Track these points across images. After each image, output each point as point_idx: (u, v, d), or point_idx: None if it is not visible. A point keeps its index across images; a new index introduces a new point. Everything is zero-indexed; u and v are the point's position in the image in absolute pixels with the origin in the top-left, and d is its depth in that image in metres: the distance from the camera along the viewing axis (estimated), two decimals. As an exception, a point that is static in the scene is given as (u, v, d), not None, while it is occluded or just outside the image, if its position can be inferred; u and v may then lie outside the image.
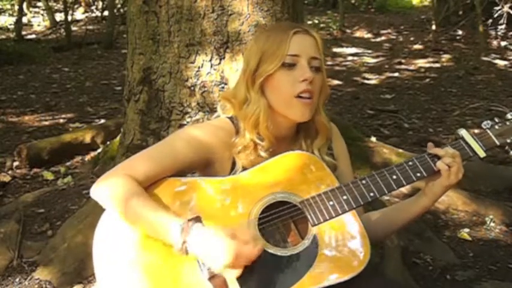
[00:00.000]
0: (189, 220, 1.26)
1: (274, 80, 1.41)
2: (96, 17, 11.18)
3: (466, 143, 1.42)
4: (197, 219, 1.29)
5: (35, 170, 3.47)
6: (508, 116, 1.46)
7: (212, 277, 1.27)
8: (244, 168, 1.42)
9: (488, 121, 1.47)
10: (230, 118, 1.49)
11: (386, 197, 2.83)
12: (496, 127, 1.45)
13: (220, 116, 1.52)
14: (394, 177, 1.38)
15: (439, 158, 1.39)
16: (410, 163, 1.40)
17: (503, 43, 8.52)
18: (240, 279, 1.26)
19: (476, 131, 1.49)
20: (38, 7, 12.10)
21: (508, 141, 1.43)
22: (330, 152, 1.54)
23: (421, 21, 11.07)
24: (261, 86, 1.43)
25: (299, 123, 1.49)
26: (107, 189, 1.33)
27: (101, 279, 1.32)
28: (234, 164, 1.44)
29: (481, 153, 1.42)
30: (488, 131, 1.44)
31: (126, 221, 1.32)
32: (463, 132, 1.44)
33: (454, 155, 1.38)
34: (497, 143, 1.43)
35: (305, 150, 1.49)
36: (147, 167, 1.36)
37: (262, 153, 1.44)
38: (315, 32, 1.46)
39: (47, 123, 4.72)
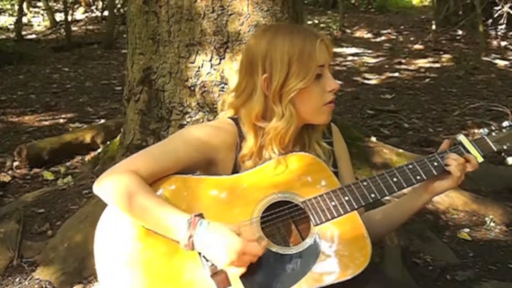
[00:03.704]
0: (195, 216, 1.27)
1: (305, 93, 1.38)
2: (96, 17, 11.17)
3: (465, 148, 1.46)
4: (200, 216, 1.29)
5: (35, 170, 3.47)
6: (505, 123, 1.51)
7: (215, 274, 1.27)
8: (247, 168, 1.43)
9: (485, 128, 1.52)
10: (233, 119, 1.48)
11: (387, 197, 2.83)
12: (493, 134, 1.50)
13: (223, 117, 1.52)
14: (395, 179, 1.41)
15: (438, 161, 1.42)
16: (410, 166, 1.43)
17: (503, 43, 8.52)
18: (242, 276, 1.26)
19: (476, 131, 1.52)
20: (38, 7, 12.07)
21: (505, 147, 1.48)
22: (329, 144, 1.53)
23: (421, 21, 11.07)
24: (290, 99, 1.38)
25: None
26: (111, 185, 1.32)
27: (102, 276, 1.32)
28: (236, 164, 1.44)
29: (479, 158, 1.46)
30: (486, 137, 1.48)
31: (130, 216, 1.32)
32: (461, 137, 1.48)
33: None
34: (495, 149, 1.48)
35: (307, 145, 1.50)
36: (149, 165, 1.36)
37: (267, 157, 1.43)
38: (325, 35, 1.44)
39: (47, 123, 4.71)
